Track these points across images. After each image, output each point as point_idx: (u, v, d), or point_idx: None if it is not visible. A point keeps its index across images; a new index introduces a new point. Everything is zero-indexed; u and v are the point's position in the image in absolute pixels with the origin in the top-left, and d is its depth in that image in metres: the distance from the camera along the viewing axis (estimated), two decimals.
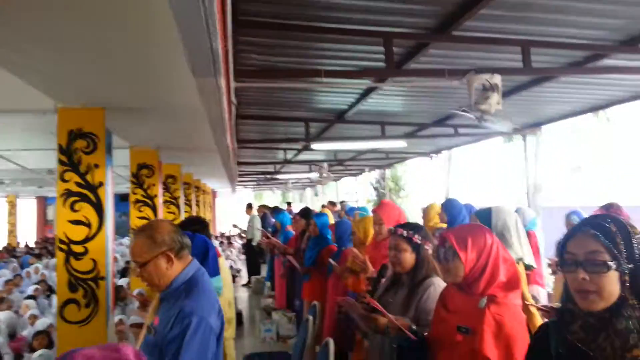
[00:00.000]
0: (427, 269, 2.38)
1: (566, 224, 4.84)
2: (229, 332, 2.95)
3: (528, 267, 2.78)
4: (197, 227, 2.82)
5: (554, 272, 4.72)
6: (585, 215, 4.79)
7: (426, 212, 5.34)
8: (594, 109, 6.64)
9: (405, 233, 2.40)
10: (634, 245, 1.19)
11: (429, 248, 2.43)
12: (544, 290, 4.31)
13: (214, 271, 2.49)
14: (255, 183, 20.69)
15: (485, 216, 2.93)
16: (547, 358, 1.29)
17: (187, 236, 2.01)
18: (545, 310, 2.76)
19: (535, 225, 4.68)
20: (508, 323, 1.74)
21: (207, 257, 2.42)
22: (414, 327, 2.04)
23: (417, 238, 2.40)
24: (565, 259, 1.27)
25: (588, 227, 1.25)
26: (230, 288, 3.24)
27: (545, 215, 7.77)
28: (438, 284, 2.32)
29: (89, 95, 3.54)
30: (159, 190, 6.26)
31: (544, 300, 4.04)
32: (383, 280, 2.70)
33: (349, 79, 4.71)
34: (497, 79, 3.50)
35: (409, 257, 2.39)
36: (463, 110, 3.48)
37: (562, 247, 1.30)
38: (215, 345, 1.83)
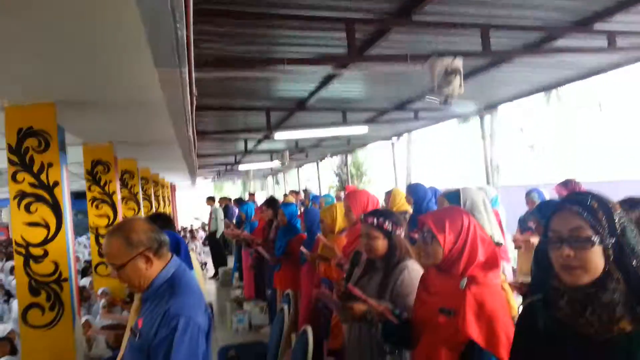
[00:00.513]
0: (400, 253, 2.38)
1: (527, 202, 4.99)
2: None
3: (497, 244, 2.84)
4: (160, 223, 2.73)
5: (517, 247, 4.87)
6: (545, 192, 4.95)
7: (391, 197, 5.40)
8: (547, 88, 6.86)
9: (375, 222, 2.40)
10: (615, 220, 1.22)
11: (401, 232, 2.43)
12: (509, 265, 4.44)
13: (189, 266, 2.41)
14: (215, 174, 20.45)
15: (454, 197, 2.99)
16: (535, 336, 1.31)
17: (164, 233, 1.93)
18: (517, 287, 2.84)
19: (497, 203, 4.80)
20: (489, 302, 1.75)
21: (178, 253, 2.34)
22: (397, 311, 2.05)
23: (387, 225, 2.39)
24: (550, 236, 1.29)
25: (570, 204, 1.27)
26: (203, 282, 3.17)
27: (503, 193, 7.99)
28: (412, 267, 2.33)
29: (37, 91, 3.34)
30: (117, 186, 6.06)
31: (509, 276, 4.16)
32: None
33: (310, 66, 4.65)
34: (458, 62, 3.54)
35: (381, 244, 2.39)
36: (429, 96, 3.50)
37: (545, 225, 1.31)
38: (204, 345, 1.77)
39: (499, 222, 4.19)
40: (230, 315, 6.57)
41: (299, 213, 5.21)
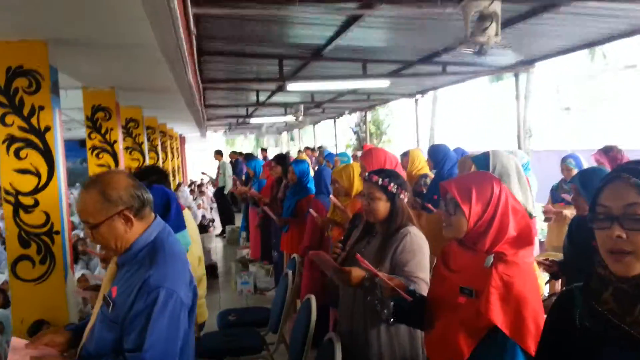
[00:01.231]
0: (402, 218, 2.39)
1: (562, 169, 4.77)
2: (199, 291, 2.82)
3: (529, 216, 2.70)
4: (154, 177, 2.61)
5: (547, 219, 4.69)
6: (583, 159, 4.71)
7: (409, 158, 5.25)
8: (593, 44, 6.47)
9: (380, 180, 2.39)
10: None
11: (404, 197, 2.43)
12: (536, 238, 4.29)
13: (179, 226, 2.31)
14: (226, 127, 20.41)
15: (482, 161, 2.87)
16: (569, 330, 1.17)
17: (147, 189, 1.79)
18: (544, 264, 2.69)
19: (529, 169, 4.62)
20: (518, 284, 1.64)
21: (169, 211, 2.22)
22: (411, 287, 1.97)
23: (392, 186, 2.38)
24: (597, 212, 1.11)
25: (627, 174, 1.08)
26: (199, 243, 3.10)
27: (534, 159, 7.76)
28: (414, 232, 2.34)
29: (27, 25, 3.21)
30: (119, 135, 5.99)
31: (536, 251, 4.02)
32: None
33: (331, 2, 4.38)
34: (496, 6, 3.25)
35: (382, 206, 2.39)
36: (461, 47, 3.25)
37: (592, 198, 1.13)
38: (187, 322, 1.67)
39: None
40: (235, 276, 6.64)
41: (311, 172, 5.12)
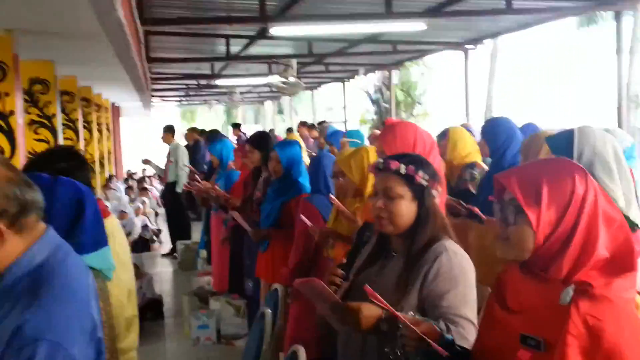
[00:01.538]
0: (435, 227, 2.43)
1: None
2: (128, 340, 2.81)
3: (632, 227, 2.68)
4: (63, 165, 2.61)
5: None
6: None
7: (448, 140, 5.29)
8: None
9: (402, 169, 2.41)
10: None
11: (438, 195, 2.48)
12: None
13: (97, 241, 2.33)
14: (182, 94, 20.51)
15: (562, 143, 2.90)
16: None
17: (35, 186, 1.76)
18: None
19: (634, 156, 4.62)
20: (611, 331, 1.64)
21: (81, 218, 2.20)
22: (449, 336, 1.98)
23: (421, 176, 2.41)
24: None
25: None
26: (129, 268, 3.07)
27: None
28: (453, 249, 2.38)
29: None
30: (16, 103, 6.14)
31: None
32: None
33: None
34: None
35: (406, 209, 2.42)
36: None
37: None
38: None
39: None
40: (189, 318, 6.61)
41: (305, 159, 5.13)
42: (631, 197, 2.82)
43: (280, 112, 33.26)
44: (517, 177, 1.80)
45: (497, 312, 1.87)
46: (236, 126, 16.69)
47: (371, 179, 3.67)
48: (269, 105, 28.49)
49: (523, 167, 1.93)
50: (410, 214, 2.41)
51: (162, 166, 11.58)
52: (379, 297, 1.96)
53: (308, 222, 3.98)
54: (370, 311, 2.13)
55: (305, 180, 4.96)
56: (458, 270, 2.32)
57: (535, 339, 1.72)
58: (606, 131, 4.33)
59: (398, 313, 1.97)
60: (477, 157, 5.22)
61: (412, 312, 2.15)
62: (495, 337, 1.86)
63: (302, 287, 2.33)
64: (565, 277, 1.73)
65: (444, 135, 5.37)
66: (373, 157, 3.70)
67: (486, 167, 5.10)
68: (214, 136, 9.33)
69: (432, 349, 1.90)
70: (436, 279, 2.30)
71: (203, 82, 16.39)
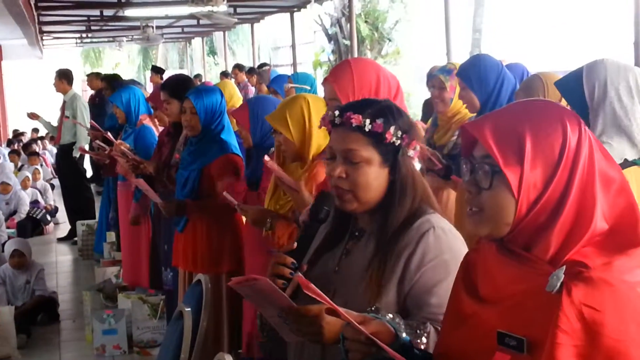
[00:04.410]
0: (413, 199, 2.43)
1: None
2: None
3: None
4: None
5: None
6: None
7: (452, 79, 5.28)
8: None
9: (368, 124, 2.37)
10: None
11: (414, 155, 2.47)
12: None
13: None
14: (82, 28, 20.26)
15: (572, 84, 3.11)
16: None
17: None
18: None
19: None
20: (612, 325, 1.63)
21: None
22: (406, 336, 1.98)
23: (392, 133, 2.38)
24: None
25: None
26: None
27: None
28: (441, 226, 2.38)
29: None
30: None
31: None
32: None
33: None
34: None
35: (374, 178, 2.41)
36: None
37: None
38: None
39: None
40: (91, 320, 6.61)
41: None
42: None
43: (213, 52, 33.04)
44: (492, 127, 1.79)
45: (465, 304, 1.89)
46: (157, 71, 16.48)
47: (316, 138, 3.75)
48: (197, 43, 28.28)
49: (499, 113, 1.91)
50: (380, 184, 2.40)
51: (55, 123, 11.42)
52: (313, 288, 1.93)
53: (233, 200, 4.04)
54: (331, 321, 2.10)
55: (230, 137, 5.03)
56: (449, 254, 2.30)
57: (515, 337, 1.72)
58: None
59: (340, 308, 1.94)
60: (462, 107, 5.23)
61: (391, 315, 2.11)
62: (465, 337, 1.87)
63: (240, 288, 2.29)
64: (554, 256, 1.73)
65: (449, 72, 5.33)
66: (318, 107, 3.74)
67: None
68: (116, 83, 9.23)
69: (385, 355, 1.89)
70: (422, 266, 2.30)
71: (108, 12, 16.12)
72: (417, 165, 2.62)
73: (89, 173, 12.93)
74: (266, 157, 3.85)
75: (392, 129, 2.37)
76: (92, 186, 12.28)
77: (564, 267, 1.69)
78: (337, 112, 2.43)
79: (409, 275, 2.29)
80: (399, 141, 2.38)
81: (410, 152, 2.42)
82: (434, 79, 5.35)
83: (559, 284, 1.67)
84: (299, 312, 2.16)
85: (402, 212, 2.39)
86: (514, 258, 1.79)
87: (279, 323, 2.29)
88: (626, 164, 2.98)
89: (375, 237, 2.41)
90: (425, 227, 2.34)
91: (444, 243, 2.33)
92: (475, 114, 5.07)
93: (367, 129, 2.35)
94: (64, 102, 11.18)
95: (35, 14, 12.83)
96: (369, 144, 2.37)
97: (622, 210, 1.75)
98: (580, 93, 3.01)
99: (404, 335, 1.99)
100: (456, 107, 5.16)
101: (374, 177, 2.38)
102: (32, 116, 11.92)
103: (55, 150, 15.55)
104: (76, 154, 10.75)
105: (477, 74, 5.01)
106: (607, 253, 1.70)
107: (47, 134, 16.62)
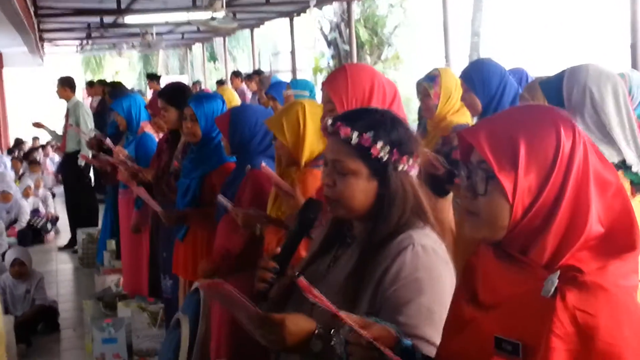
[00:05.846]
0: (402, 212, 2.40)
1: None
2: None
3: (637, 182, 2.90)
4: None
5: None
6: None
7: (439, 84, 5.30)
8: None
9: (355, 137, 2.37)
10: None
11: (410, 168, 2.44)
12: None
13: None
14: (83, 36, 20.30)
15: (554, 86, 3.09)
16: None
17: None
18: None
19: None
20: (607, 330, 1.64)
21: None
22: (408, 341, 1.99)
23: (379, 148, 2.37)
24: None
25: None
26: None
27: None
28: (423, 244, 2.34)
29: None
30: None
31: None
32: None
33: None
34: None
35: (360, 189, 2.41)
36: None
37: None
38: None
39: None
40: (91, 329, 6.59)
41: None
42: (632, 147, 2.98)
43: (213, 58, 32.99)
44: (487, 133, 1.79)
45: (465, 310, 1.89)
46: (153, 78, 16.50)
47: (309, 143, 3.77)
48: (198, 49, 28.23)
49: (494, 119, 1.93)
50: (367, 195, 2.40)
51: (59, 132, 11.41)
52: (314, 292, 1.95)
53: (227, 203, 4.05)
54: (298, 326, 2.12)
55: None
56: (425, 273, 2.28)
57: (511, 342, 1.73)
58: (620, 75, 4.47)
59: (341, 312, 1.94)
60: (468, 115, 5.22)
61: (377, 322, 2.10)
62: (464, 342, 1.87)
63: (209, 293, 2.32)
64: (550, 260, 1.73)
65: (432, 79, 5.34)
66: (314, 112, 3.75)
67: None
68: (117, 91, 9.25)
69: (387, 359, 1.89)
70: (395, 283, 2.27)
71: (108, 19, 16.14)
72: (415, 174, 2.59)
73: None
74: (263, 163, 3.87)
75: (379, 143, 2.36)
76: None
77: (558, 271, 1.70)
78: (330, 121, 2.43)
79: (382, 290, 2.28)
80: (387, 156, 2.37)
81: (401, 167, 2.39)
82: (419, 86, 5.38)
83: (553, 289, 1.68)
84: (263, 319, 2.17)
85: (387, 225, 2.37)
86: (511, 262, 1.81)
87: (251, 328, 2.29)
88: None
89: (359, 249, 2.41)
90: (405, 244, 2.32)
91: (421, 261, 2.30)
92: (474, 119, 5.10)
93: (353, 143, 2.36)
94: (68, 110, 11.19)
95: (35, 21, 12.83)
96: (357, 156, 2.38)
97: (618, 213, 1.75)
98: (560, 95, 3.03)
99: (407, 341, 2.00)
100: (442, 113, 5.16)
101: (361, 189, 2.38)
102: (37, 125, 11.94)
103: (57, 157, 15.58)
104: (81, 162, 10.75)
105: (480, 77, 5.03)
106: (602, 257, 1.70)
107: (48, 142, 16.59)
